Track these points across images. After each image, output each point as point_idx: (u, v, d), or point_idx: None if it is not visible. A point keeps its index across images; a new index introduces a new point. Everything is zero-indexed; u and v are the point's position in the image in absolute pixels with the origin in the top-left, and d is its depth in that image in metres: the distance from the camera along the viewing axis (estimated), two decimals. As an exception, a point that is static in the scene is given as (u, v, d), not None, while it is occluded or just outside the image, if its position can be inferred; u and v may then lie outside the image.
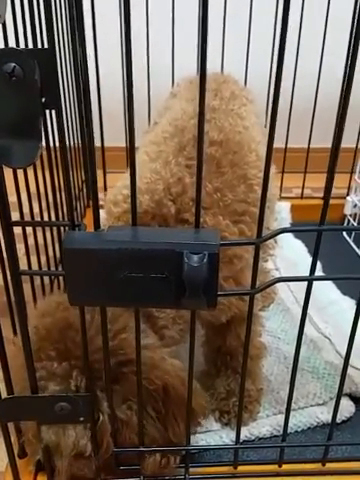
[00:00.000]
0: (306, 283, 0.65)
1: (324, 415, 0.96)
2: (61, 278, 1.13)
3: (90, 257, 0.53)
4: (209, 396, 0.93)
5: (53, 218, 1.10)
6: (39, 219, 1.06)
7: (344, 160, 1.32)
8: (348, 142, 1.21)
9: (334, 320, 1.18)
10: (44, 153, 0.95)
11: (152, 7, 1.49)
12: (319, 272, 1.29)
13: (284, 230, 0.61)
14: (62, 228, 1.08)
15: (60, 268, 1.19)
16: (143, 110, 1.49)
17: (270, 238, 0.61)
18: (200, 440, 0.90)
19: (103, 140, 1.58)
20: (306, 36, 1.48)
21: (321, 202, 0.59)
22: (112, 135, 1.53)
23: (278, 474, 0.81)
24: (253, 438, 0.92)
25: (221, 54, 1.52)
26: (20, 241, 0.77)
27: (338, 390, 0.76)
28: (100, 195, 0.57)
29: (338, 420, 0.94)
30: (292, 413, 0.88)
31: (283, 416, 0.78)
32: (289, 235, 1.50)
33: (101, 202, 0.79)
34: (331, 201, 0.59)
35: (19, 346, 0.65)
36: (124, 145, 1.25)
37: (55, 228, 1.14)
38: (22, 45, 0.89)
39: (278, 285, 1.27)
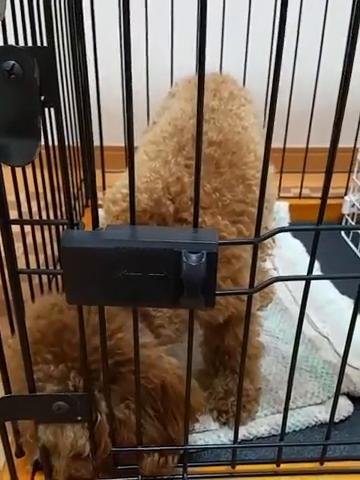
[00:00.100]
0: (304, 282, 0.65)
1: (322, 414, 0.96)
2: (59, 277, 1.13)
3: (88, 256, 0.53)
4: (207, 395, 0.94)
5: (52, 217, 1.10)
6: (38, 218, 1.06)
7: (342, 160, 1.32)
8: (346, 142, 1.21)
9: (332, 319, 1.18)
10: (43, 152, 0.95)
11: (151, 8, 1.49)
12: (317, 272, 1.30)
13: (282, 229, 0.62)
14: (61, 227, 1.08)
15: (58, 267, 1.19)
16: (142, 110, 1.49)
17: (268, 237, 0.61)
18: (198, 439, 0.90)
19: (102, 139, 1.58)
20: (304, 37, 1.49)
21: (319, 202, 0.59)
22: (111, 134, 1.53)
23: (276, 473, 0.81)
24: (251, 437, 0.92)
25: (220, 54, 1.52)
26: (18, 240, 0.77)
27: (336, 389, 0.76)
28: (99, 194, 0.57)
29: (336, 419, 0.94)
30: (290, 412, 0.88)
31: (281, 415, 0.78)
32: (287, 235, 1.50)
33: (100, 201, 0.80)
34: (329, 201, 0.59)
35: (15, 349, 0.65)
36: (123, 145, 1.25)
37: (53, 227, 1.14)
38: (21, 44, 0.89)
39: (276, 285, 1.27)
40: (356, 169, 1.61)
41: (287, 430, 0.90)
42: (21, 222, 0.66)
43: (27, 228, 0.93)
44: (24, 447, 0.79)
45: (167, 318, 0.78)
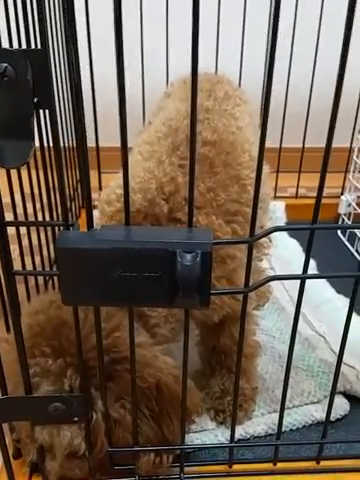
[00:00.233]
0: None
1: (319, 413, 0.96)
2: (55, 278, 1.13)
3: (84, 257, 0.53)
4: (204, 395, 0.94)
5: (48, 218, 1.10)
6: (33, 219, 1.06)
7: (338, 159, 1.33)
8: (342, 142, 1.22)
9: (328, 318, 1.18)
10: (38, 153, 0.95)
11: (146, 9, 1.49)
12: (314, 271, 1.30)
13: (277, 228, 0.62)
14: (56, 228, 1.08)
15: (55, 268, 1.19)
16: (138, 111, 1.49)
17: (263, 236, 0.62)
18: (195, 439, 0.90)
19: (98, 140, 1.58)
20: (300, 38, 1.49)
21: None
22: (107, 135, 1.53)
23: (273, 472, 0.82)
24: (248, 437, 0.92)
25: (215, 55, 1.52)
26: (14, 242, 0.77)
27: (332, 388, 0.76)
28: (95, 195, 0.57)
29: (332, 418, 0.94)
30: (287, 411, 0.88)
31: (278, 414, 0.78)
32: (284, 234, 1.50)
33: (95, 202, 0.80)
34: (325, 200, 0.60)
35: (12, 342, 0.65)
36: (119, 145, 1.25)
37: (49, 228, 1.14)
38: (15, 46, 0.89)
39: (273, 284, 1.28)
40: (352, 169, 1.61)
41: (284, 429, 0.91)
42: (17, 223, 0.66)
43: (23, 230, 0.93)
44: (21, 448, 0.79)
45: (163, 318, 0.78)
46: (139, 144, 0.92)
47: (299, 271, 0.64)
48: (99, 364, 0.64)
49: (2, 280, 0.64)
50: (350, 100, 1.46)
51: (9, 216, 0.61)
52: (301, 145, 1.62)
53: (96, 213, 0.77)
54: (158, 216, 0.78)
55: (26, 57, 0.46)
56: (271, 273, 1.34)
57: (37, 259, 1.06)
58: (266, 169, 1.09)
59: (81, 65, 0.49)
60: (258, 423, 0.94)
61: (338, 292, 1.28)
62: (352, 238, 1.55)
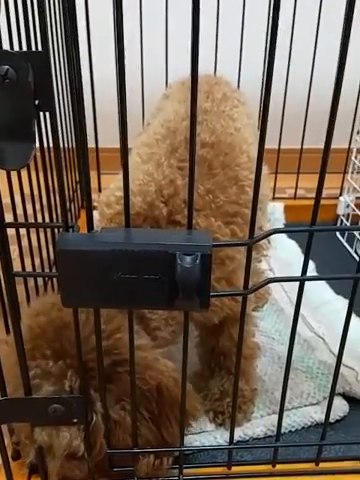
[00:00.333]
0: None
1: (318, 415, 0.96)
2: (55, 280, 1.13)
3: (83, 258, 0.53)
4: (203, 397, 0.94)
5: (47, 220, 1.10)
6: (33, 221, 1.06)
7: (337, 160, 1.33)
8: (341, 143, 1.22)
9: (327, 320, 1.18)
10: (38, 154, 0.95)
11: (146, 10, 1.49)
12: (313, 272, 1.30)
13: (276, 231, 0.62)
14: (56, 230, 1.08)
15: (54, 270, 1.19)
16: (137, 112, 1.49)
17: (262, 239, 0.62)
18: (194, 441, 0.90)
19: (97, 141, 1.58)
20: (298, 39, 1.49)
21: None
22: (107, 136, 1.53)
23: (272, 474, 0.82)
24: (247, 438, 0.92)
25: (214, 56, 1.52)
26: (14, 243, 0.77)
27: (331, 390, 0.76)
28: (94, 196, 0.57)
29: (332, 420, 0.94)
30: (286, 413, 0.88)
31: (277, 416, 0.78)
32: (283, 236, 1.50)
33: (95, 203, 0.80)
34: (324, 201, 0.60)
35: (12, 345, 0.65)
36: (119, 146, 1.25)
37: (49, 230, 1.14)
38: (16, 48, 0.89)
39: (272, 286, 1.28)
40: (351, 170, 1.61)
41: (283, 431, 0.91)
42: (16, 225, 0.66)
43: (22, 231, 0.93)
44: (20, 449, 0.79)
45: (163, 320, 0.78)
46: (138, 146, 0.92)
47: (298, 272, 0.64)
48: (98, 366, 0.64)
49: (2, 281, 0.64)
50: (349, 101, 1.46)
51: (9, 217, 0.61)
52: (300, 146, 1.62)
53: (96, 214, 0.77)
54: (157, 219, 0.78)
55: (27, 59, 0.47)
56: (270, 274, 1.34)
57: (36, 260, 1.06)
58: (265, 170, 1.10)
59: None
60: (257, 425, 0.94)
61: (337, 293, 1.28)
62: (351, 239, 1.55)
